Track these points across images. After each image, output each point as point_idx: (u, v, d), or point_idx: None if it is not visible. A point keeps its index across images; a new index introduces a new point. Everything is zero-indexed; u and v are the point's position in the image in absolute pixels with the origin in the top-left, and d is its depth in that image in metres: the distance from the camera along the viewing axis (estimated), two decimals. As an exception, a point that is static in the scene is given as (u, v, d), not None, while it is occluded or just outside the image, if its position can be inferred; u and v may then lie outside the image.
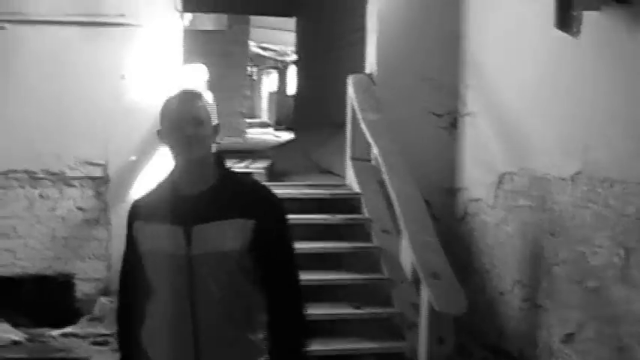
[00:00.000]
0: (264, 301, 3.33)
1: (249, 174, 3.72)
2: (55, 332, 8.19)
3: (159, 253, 3.29)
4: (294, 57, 22.31)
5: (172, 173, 3.38)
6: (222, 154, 3.44)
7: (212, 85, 8.81)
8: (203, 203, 3.27)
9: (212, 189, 3.31)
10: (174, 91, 3.41)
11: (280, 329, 3.36)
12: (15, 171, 8.60)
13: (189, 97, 3.32)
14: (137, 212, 3.43)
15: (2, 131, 8.54)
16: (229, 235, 3.22)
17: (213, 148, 3.37)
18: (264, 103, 38.10)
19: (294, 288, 3.43)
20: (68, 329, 8.21)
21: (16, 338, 7.95)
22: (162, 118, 3.30)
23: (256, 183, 3.59)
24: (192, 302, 3.24)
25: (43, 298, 8.80)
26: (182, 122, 3.23)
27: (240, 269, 3.26)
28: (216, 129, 3.35)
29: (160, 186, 3.43)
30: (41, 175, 8.64)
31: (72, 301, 8.75)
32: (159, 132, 3.33)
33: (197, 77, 8.49)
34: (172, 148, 3.30)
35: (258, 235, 3.25)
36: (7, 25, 8.56)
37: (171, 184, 3.37)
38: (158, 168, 8.57)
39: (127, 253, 3.49)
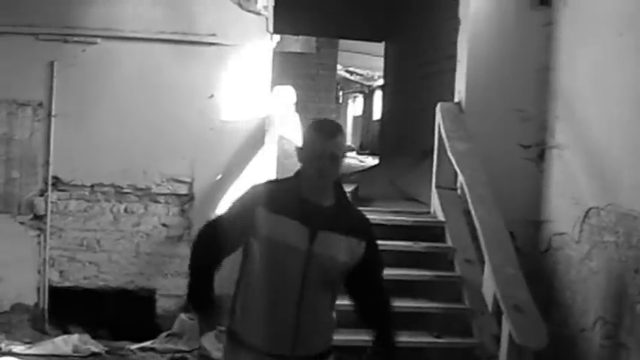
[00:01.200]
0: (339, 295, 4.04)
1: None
2: (134, 346, 8.30)
3: (281, 242, 3.81)
4: (380, 82, 22.32)
5: (299, 181, 3.91)
6: (340, 180, 4.00)
7: (299, 108, 8.87)
8: (328, 215, 3.87)
9: (334, 206, 3.91)
10: (321, 118, 4.03)
11: (381, 322, 4.21)
12: (102, 185, 8.75)
13: (333, 133, 3.85)
14: (260, 198, 3.90)
15: (90, 145, 8.71)
16: (345, 249, 3.88)
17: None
18: (349, 127, 38.14)
19: (387, 292, 4.24)
20: (147, 344, 8.31)
21: (96, 350, 8.07)
22: (305, 142, 3.89)
23: (360, 211, 4.23)
24: (302, 290, 3.83)
25: (123, 312, 8.90)
26: (322, 157, 3.79)
27: (343, 273, 3.94)
28: (343, 160, 3.91)
29: (285, 187, 3.96)
30: (127, 190, 8.79)
31: (152, 317, 8.86)
32: (298, 150, 3.89)
33: (286, 99, 8.56)
34: (306, 171, 3.86)
35: (365, 253, 3.94)
36: (99, 40, 8.73)
37: (297, 189, 3.88)
38: (243, 188, 8.67)
39: (231, 221, 3.98)
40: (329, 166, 3.78)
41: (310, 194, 3.86)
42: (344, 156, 3.92)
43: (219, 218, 4.08)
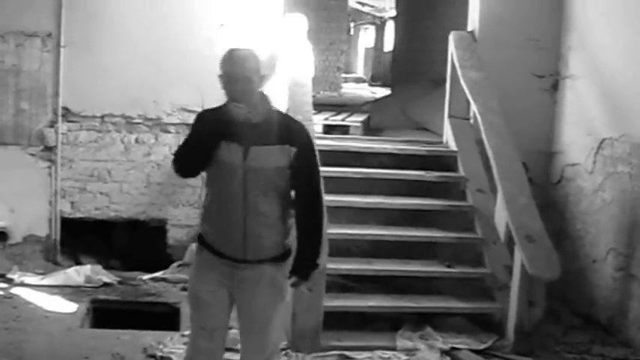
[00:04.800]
0: (292, 206, 4.51)
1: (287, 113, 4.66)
2: (146, 276, 8.33)
3: (222, 161, 4.32)
4: (392, 13, 22.14)
5: (228, 105, 4.31)
6: (266, 95, 4.42)
7: (310, 39, 8.77)
8: (258, 131, 4.30)
9: (264, 121, 4.34)
10: (231, 48, 4.33)
11: (302, 234, 4.50)
12: (112, 115, 8.69)
13: (243, 59, 4.26)
14: (210, 124, 4.37)
15: (100, 76, 8.61)
16: (277, 157, 4.33)
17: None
18: (360, 59, 37.98)
19: (317, 193, 4.59)
20: (159, 274, 8.34)
21: (108, 280, 8.11)
22: (221, 70, 4.29)
23: (295, 120, 4.63)
24: (244, 200, 4.32)
25: (135, 243, 8.96)
26: (235, 82, 4.22)
27: (280, 179, 4.37)
28: (262, 79, 4.33)
29: (222, 112, 4.33)
30: (138, 120, 8.72)
31: (163, 247, 8.86)
32: (220, 76, 4.29)
33: (297, 27, 8.44)
34: (227, 96, 4.29)
35: (295, 159, 4.36)
36: (105, -30, 8.64)
37: (230, 112, 4.28)
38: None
39: (193, 139, 4.44)
40: (242, 88, 4.22)
41: (239, 115, 4.27)
42: (260, 76, 4.30)
43: (185, 140, 4.56)
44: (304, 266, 4.57)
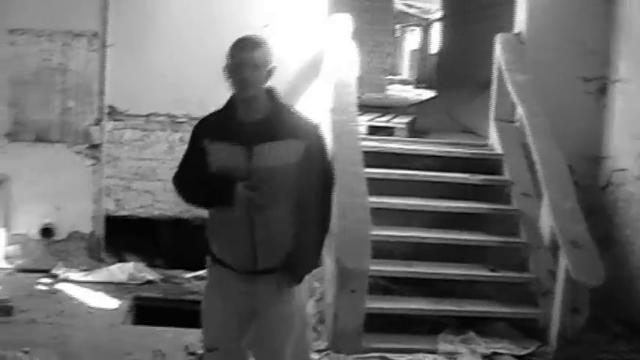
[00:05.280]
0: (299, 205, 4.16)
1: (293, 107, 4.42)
2: (189, 275, 8.37)
3: (226, 167, 4.06)
4: (438, 15, 22.04)
5: (231, 104, 4.14)
6: (273, 90, 4.14)
7: (355, 39, 8.74)
8: (263, 127, 4.04)
9: (269, 116, 4.08)
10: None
11: (299, 233, 4.13)
12: (157, 114, 8.75)
13: (250, 46, 4.01)
14: (203, 132, 4.20)
15: (145, 75, 8.67)
16: (285, 152, 4.05)
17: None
18: (406, 61, 37.88)
19: (320, 204, 4.21)
20: (201, 273, 8.35)
21: (151, 278, 8.17)
22: (227, 59, 4.05)
23: (302, 115, 4.24)
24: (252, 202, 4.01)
25: (179, 241, 8.95)
26: (241, 68, 3.98)
27: (288, 178, 4.07)
28: (270, 72, 4.05)
29: (222, 114, 4.19)
30: (182, 120, 8.74)
31: (207, 246, 8.85)
32: (224, 68, 4.07)
33: (342, 28, 8.42)
34: (232, 86, 4.06)
35: (304, 155, 4.07)
36: (155, -30, 8.69)
37: (231, 112, 4.12)
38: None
39: (189, 160, 4.27)
40: (249, 76, 3.96)
41: (243, 112, 4.07)
42: (269, 68, 4.04)
43: (181, 163, 4.38)
44: (300, 265, 4.22)
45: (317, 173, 4.16)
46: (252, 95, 4.04)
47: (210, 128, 4.19)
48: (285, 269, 4.14)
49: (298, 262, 4.17)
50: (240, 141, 4.03)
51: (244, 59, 3.97)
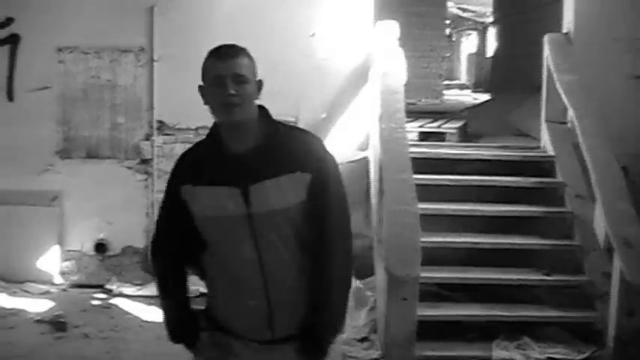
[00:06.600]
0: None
1: (298, 127, 3.58)
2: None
3: (218, 217, 3.22)
4: (492, 18, 21.91)
5: (215, 132, 3.29)
6: (266, 108, 3.31)
7: (405, 45, 8.68)
8: (256, 160, 3.18)
9: (263, 144, 3.21)
10: (215, 45, 3.24)
11: (315, 297, 3.28)
12: (206, 127, 8.66)
13: (231, 54, 3.18)
14: (181, 175, 3.32)
15: (193, 88, 8.52)
16: (287, 190, 3.17)
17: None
18: (463, 65, 37.70)
19: (345, 233, 3.33)
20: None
21: (204, 290, 8.15)
22: (204, 74, 3.22)
23: (306, 136, 3.37)
24: (260, 260, 3.20)
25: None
26: (223, 82, 3.13)
27: (302, 221, 3.22)
28: (259, 85, 3.26)
29: (205, 147, 3.36)
30: (232, 132, 8.73)
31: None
32: (200, 88, 3.25)
33: (388, 34, 8.36)
34: (214, 108, 3.21)
35: (310, 189, 3.19)
36: (201, -18, 8.70)
37: (216, 144, 3.27)
38: (347, 126, 8.59)
39: (168, 216, 3.42)
40: (234, 92, 3.11)
41: (230, 141, 3.21)
42: (256, 81, 3.24)
43: (157, 226, 3.51)
44: (324, 331, 3.34)
45: (329, 212, 3.26)
46: (241, 119, 3.17)
47: (190, 169, 3.30)
48: (307, 337, 3.31)
49: (321, 328, 3.32)
50: (231, 181, 3.18)
51: (227, 69, 3.14)
